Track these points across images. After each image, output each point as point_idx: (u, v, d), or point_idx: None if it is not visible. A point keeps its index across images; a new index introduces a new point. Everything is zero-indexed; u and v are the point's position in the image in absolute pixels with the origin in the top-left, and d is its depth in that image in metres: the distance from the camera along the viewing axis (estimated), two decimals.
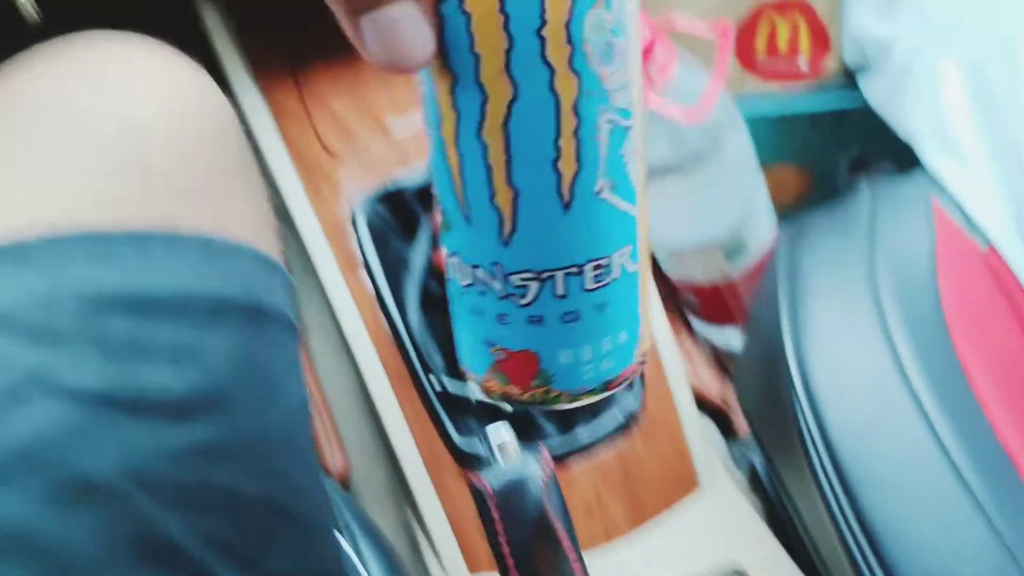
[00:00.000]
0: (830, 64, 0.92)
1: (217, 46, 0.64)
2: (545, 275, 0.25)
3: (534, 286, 0.25)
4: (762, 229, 0.84)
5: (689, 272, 0.86)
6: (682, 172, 0.76)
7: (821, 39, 0.92)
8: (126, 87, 0.30)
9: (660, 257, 0.86)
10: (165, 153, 0.29)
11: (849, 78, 0.90)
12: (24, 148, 0.28)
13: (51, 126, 0.29)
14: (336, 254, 0.62)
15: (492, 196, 0.24)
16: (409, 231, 0.64)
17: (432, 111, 0.24)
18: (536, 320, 0.26)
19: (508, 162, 0.24)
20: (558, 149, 0.24)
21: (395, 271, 0.62)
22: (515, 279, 0.25)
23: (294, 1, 0.62)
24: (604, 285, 0.26)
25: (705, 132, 0.75)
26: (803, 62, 0.93)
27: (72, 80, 0.30)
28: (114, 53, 0.32)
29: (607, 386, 0.28)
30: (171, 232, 0.28)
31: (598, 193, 0.25)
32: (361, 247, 0.62)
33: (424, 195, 0.64)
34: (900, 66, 0.76)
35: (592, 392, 0.27)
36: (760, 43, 0.93)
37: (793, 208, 0.94)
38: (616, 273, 0.26)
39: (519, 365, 0.27)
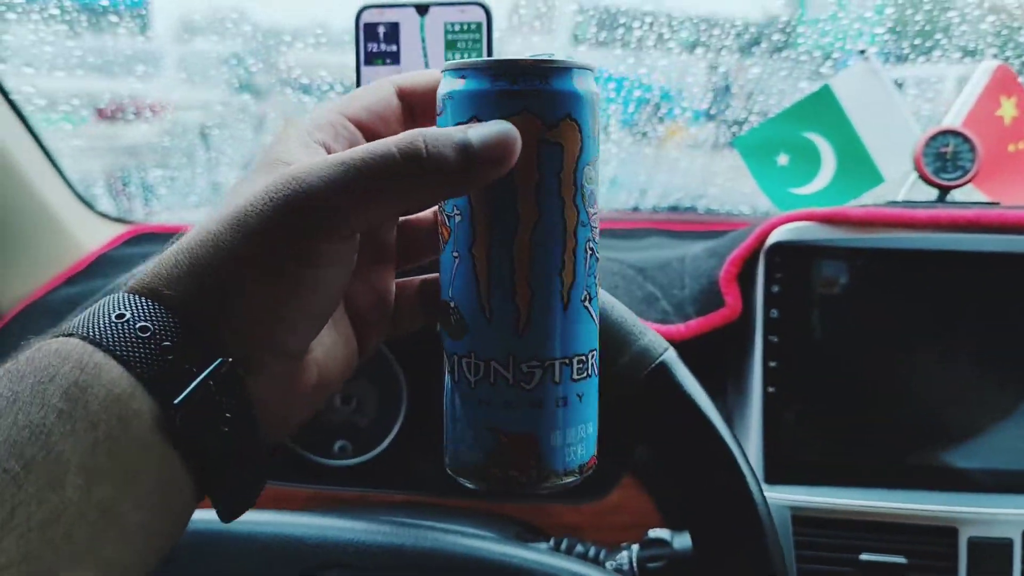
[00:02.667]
0: None
1: None
2: (547, 363, 0.33)
3: (538, 373, 0.33)
4: None
5: None
6: None
7: None
8: None
9: None
10: None
11: None
12: None
13: None
14: None
15: (513, 296, 0.33)
16: None
17: (466, 235, 0.33)
18: (536, 404, 0.33)
19: (530, 268, 0.33)
20: (562, 262, 0.33)
21: None
22: (524, 367, 0.33)
23: None
24: (583, 379, 0.34)
25: None
26: None
27: None
28: None
29: (581, 469, 0.35)
30: None
31: (583, 301, 0.34)
32: None
33: None
34: None
35: (572, 472, 0.34)
36: None
37: None
38: (589, 371, 0.34)
39: (520, 446, 0.33)
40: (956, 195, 0.89)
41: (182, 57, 1.34)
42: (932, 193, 0.88)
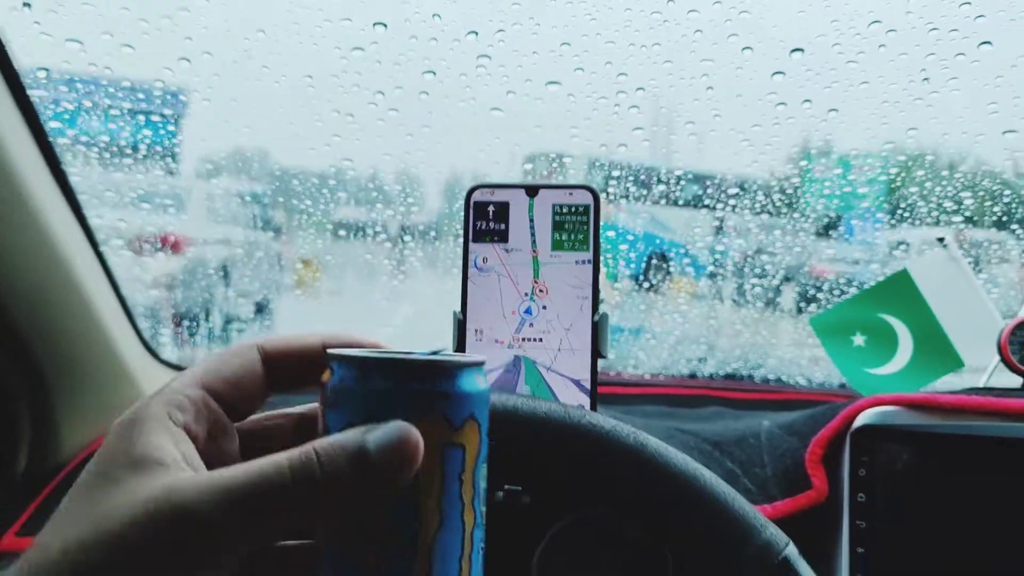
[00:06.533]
0: None
1: None
2: None
3: None
4: None
5: None
6: None
7: None
8: None
9: None
10: None
11: None
12: None
13: None
14: None
15: None
16: None
17: (361, 541, 0.31)
18: None
19: (428, 574, 0.31)
20: (460, 567, 0.31)
21: None
22: None
23: None
24: None
25: None
26: None
27: None
28: None
29: None
30: None
31: None
32: None
33: None
34: None
35: None
36: None
37: None
38: None
39: None
40: None
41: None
42: (1015, 380, 0.87)
